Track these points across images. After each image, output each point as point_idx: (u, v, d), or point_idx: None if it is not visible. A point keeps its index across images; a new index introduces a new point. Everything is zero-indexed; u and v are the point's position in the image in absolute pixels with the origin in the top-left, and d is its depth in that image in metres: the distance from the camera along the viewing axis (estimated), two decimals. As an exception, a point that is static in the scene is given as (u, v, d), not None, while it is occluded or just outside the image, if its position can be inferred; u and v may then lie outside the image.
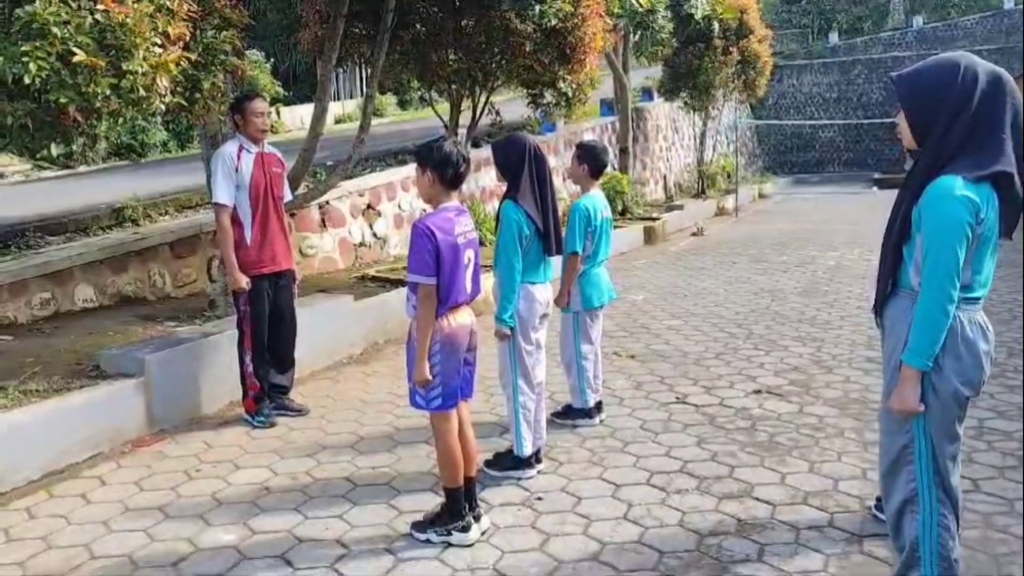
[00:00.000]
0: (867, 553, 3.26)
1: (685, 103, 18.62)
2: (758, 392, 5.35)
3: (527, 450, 4.10)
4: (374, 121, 8.62)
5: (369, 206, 10.03)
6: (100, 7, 3.60)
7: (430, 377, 3.31)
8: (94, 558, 3.40)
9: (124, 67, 3.69)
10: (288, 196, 5.25)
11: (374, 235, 10.09)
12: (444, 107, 8.07)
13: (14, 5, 3.58)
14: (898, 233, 2.60)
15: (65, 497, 3.99)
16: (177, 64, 3.93)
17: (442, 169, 3.31)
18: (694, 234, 14.78)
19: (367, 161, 12.48)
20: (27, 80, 3.41)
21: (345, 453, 4.51)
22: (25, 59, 3.41)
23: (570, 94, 7.53)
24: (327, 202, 9.13)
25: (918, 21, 32.35)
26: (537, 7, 6.00)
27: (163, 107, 4.04)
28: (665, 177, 19.95)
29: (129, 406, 4.66)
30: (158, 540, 3.54)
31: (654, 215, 15.09)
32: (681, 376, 5.77)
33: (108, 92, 3.66)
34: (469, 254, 3.39)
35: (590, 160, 4.80)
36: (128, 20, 3.65)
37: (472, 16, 6.82)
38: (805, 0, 35.70)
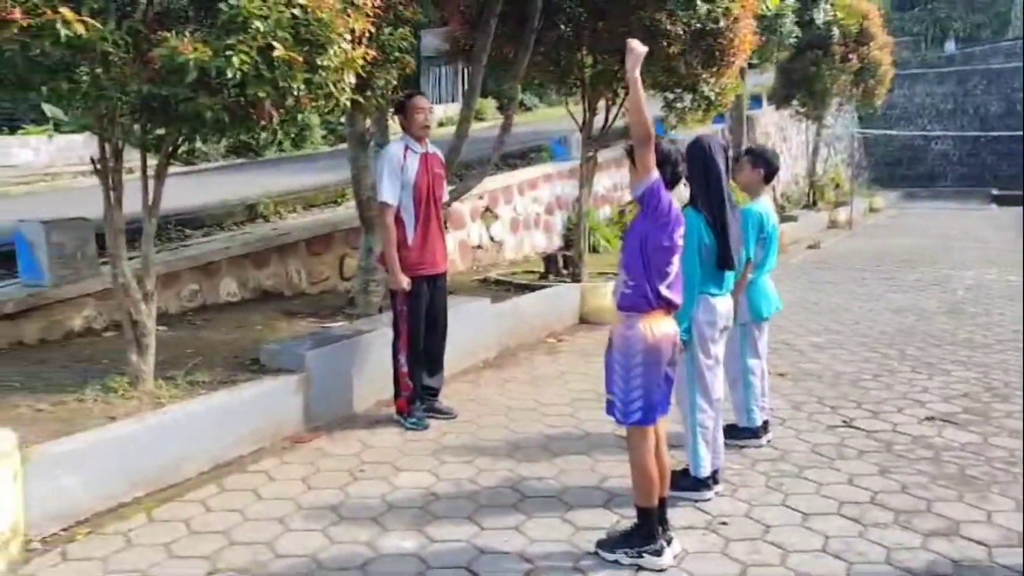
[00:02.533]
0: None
1: (797, 111, 18.06)
2: (931, 419, 5.02)
3: (705, 471, 3.90)
4: (475, 124, 8.49)
5: (487, 209, 9.98)
6: (299, 1, 3.57)
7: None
8: (278, 556, 3.36)
9: (318, 62, 3.66)
10: (446, 197, 5.19)
11: (491, 238, 10.03)
12: (551, 111, 7.91)
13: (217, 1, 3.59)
14: None
15: (236, 491, 3.98)
16: (365, 60, 3.88)
17: (660, 167, 3.18)
18: (811, 247, 14.28)
19: (479, 164, 12.50)
20: (229, 74, 3.41)
21: (503, 461, 4.39)
22: (228, 53, 3.40)
23: (712, 98, 7.28)
24: (449, 204, 9.11)
25: (1044, 30, 30.66)
26: (704, 6, 5.78)
27: (347, 104, 4.00)
28: (774, 188, 19.37)
29: (290, 401, 4.66)
30: (337, 542, 3.48)
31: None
32: (841, 398, 5.47)
33: (302, 87, 3.64)
34: (676, 259, 3.24)
35: (765, 164, 4.59)
36: (324, 15, 3.61)
37: (618, 17, 6.64)
38: (919, 7, 34.30)
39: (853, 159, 25.19)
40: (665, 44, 6.64)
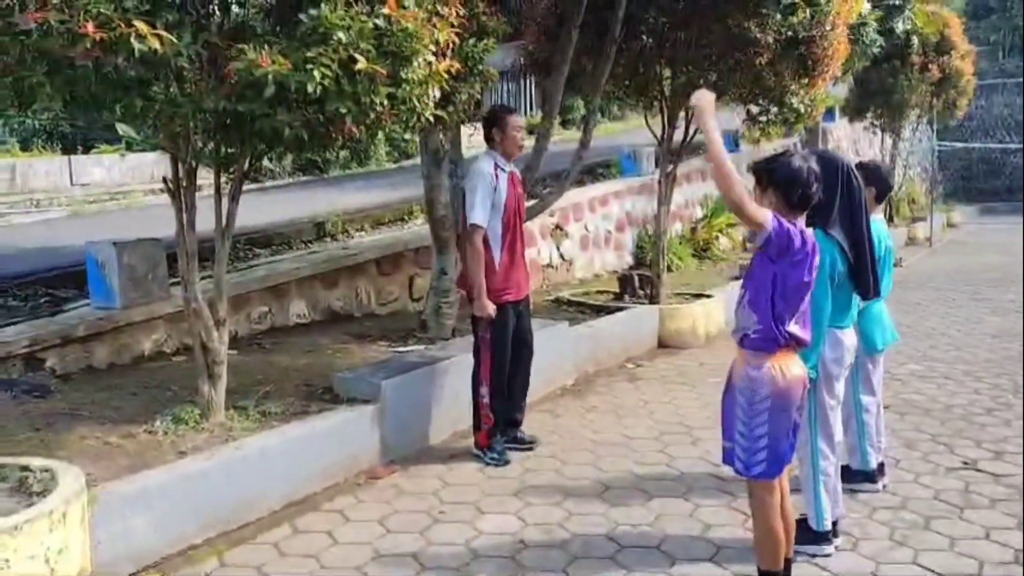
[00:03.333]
0: None
1: (872, 123, 17.39)
2: (1064, 461, 4.53)
3: (827, 523, 3.51)
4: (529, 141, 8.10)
5: (557, 226, 9.67)
6: (383, 11, 3.33)
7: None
8: (359, 612, 3.09)
9: (402, 75, 3.41)
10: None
11: (560, 256, 9.72)
12: (613, 125, 7.58)
13: (294, 9, 3.36)
14: None
15: (311, 533, 3.73)
16: (448, 73, 3.62)
17: (787, 188, 2.84)
18: (894, 265, 13.60)
19: (547, 180, 12.23)
20: (309, 88, 3.18)
21: (593, 503, 4.06)
22: (309, 66, 3.17)
23: (802, 110, 6.87)
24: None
25: None
26: (806, 10, 5.39)
27: (431, 120, 3.74)
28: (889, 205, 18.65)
29: (365, 434, 4.41)
30: (422, 596, 3.20)
31: (844, 243, 14.04)
32: (955, 435, 5.00)
33: (385, 102, 3.39)
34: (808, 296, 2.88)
35: (878, 182, 4.19)
36: (409, 25, 3.36)
37: (702, 26, 6.30)
38: (996, 15, 33.04)
39: (928, 173, 24.24)
40: (753, 53, 6.27)
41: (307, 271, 6.66)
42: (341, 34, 3.22)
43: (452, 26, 3.71)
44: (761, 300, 2.82)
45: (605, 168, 12.89)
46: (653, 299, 7.60)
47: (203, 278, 6.17)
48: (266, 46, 3.22)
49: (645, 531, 3.75)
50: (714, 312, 7.90)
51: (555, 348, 5.94)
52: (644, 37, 6.49)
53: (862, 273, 3.45)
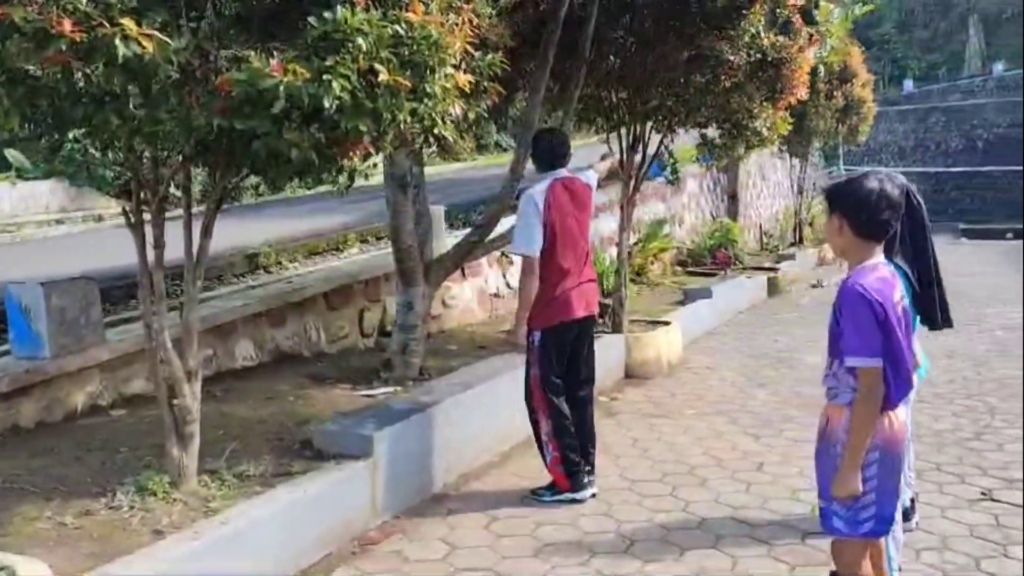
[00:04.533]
0: None
1: (781, 149, 17.88)
2: (1076, 486, 4.46)
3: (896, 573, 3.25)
4: (450, 166, 7.73)
5: (503, 254, 9.32)
6: (405, 15, 2.91)
7: (860, 488, 2.51)
8: None
9: (425, 89, 3.00)
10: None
11: (507, 284, 9.37)
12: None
13: (303, 13, 2.91)
14: None
15: (316, 617, 3.21)
16: (461, 89, 3.23)
17: (853, 213, 2.56)
18: (813, 286, 13.87)
19: (480, 207, 11.89)
20: (327, 103, 2.72)
21: (624, 561, 3.69)
22: (326, 77, 2.71)
23: (764, 133, 6.79)
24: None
25: (998, 68, 31.47)
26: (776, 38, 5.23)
27: (447, 137, 3.33)
28: (760, 226, 19.12)
29: (358, 494, 3.91)
30: None
31: (765, 264, 14.26)
32: (956, 461, 4.90)
33: (409, 118, 2.97)
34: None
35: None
36: (433, 32, 2.95)
37: (672, 47, 6.12)
38: (876, 47, 34.99)
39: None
40: (722, 75, 6.13)
41: (253, 308, 6.06)
42: (361, 40, 2.78)
43: (468, 36, 3.32)
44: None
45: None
46: (616, 328, 7.33)
47: (124, 321, 5.54)
48: (274, 53, 2.74)
49: (691, 592, 3.41)
50: (675, 340, 7.71)
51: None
52: (612, 58, 6.25)
53: (930, 302, 3.24)
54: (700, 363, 7.78)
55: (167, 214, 3.52)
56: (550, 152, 4.34)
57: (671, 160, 7.43)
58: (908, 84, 32.40)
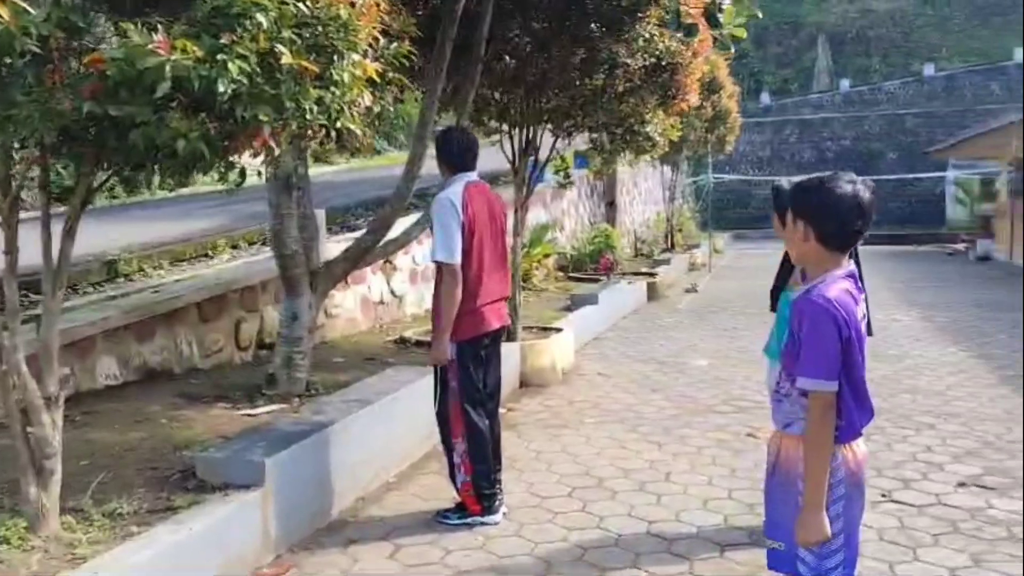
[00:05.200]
0: None
1: (652, 157, 18.32)
2: (963, 485, 4.61)
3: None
4: (326, 168, 7.34)
5: (387, 260, 8.96)
6: (308, -7, 2.59)
7: (829, 532, 2.25)
8: None
9: (333, 75, 2.68)
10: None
11: (392, 292, 9.02)
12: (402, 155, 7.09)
13: (192, -17, 2.53)
14: None
15: (207, 676, 2.82)
16: (380, 77, 2.94)
17: (823, 221, 2.27)
18: (688, 290, 14.23)
19: (359, 211, 11.48)
20: (221, 88, 2.37)
21: (539, 585, 3.47)
22: (221, 57, 2.36)
23: (656, 137, 6.78)
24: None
25: (844, 84, 33.59)
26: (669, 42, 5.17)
27: (354, 132, 3.01)
28: (634, 232, 19.51)
29: (248, 528, 3.51)
30: None
31: (643, 270, 14.51)
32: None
33: (315, 108, 2.64)
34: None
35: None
36: (342, 12, 2.65)
37: (568, 49, 6.00)
38: (734, 61, 36.59)
39: (699, 204, 26.14)
40: (618, 78, 6.06)
41: (116, 320, 5.47)
42: (261, 17, 2.43)
43: (377, 20, 3.02)
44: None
45: (421, 199, 12.36)
46: (509, 336, 7.13)
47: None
48: (158, 27, 2.36)
49: (617, 616, 3.23)
50: (567, 347, 7.61)
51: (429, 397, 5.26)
52: (507, 58, 6.05)
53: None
54: (592, 369, 7.71)
55: (20, 215, 3.03)
56: (462, 152, 4.05)
57: (563, 164, 7.32)
58: (765, 97, 34.06)
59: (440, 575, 3.56)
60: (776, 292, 3.78)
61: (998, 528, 4.00)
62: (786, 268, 3.74)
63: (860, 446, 2.33)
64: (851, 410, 2.25)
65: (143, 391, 5.31)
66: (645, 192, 22.20)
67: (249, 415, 4.82)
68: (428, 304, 9.57)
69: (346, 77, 2.76)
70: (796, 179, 2.68)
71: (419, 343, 7.34)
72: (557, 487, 4.63)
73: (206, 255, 8.54)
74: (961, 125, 28.40)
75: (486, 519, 4.08)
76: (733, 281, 16.09)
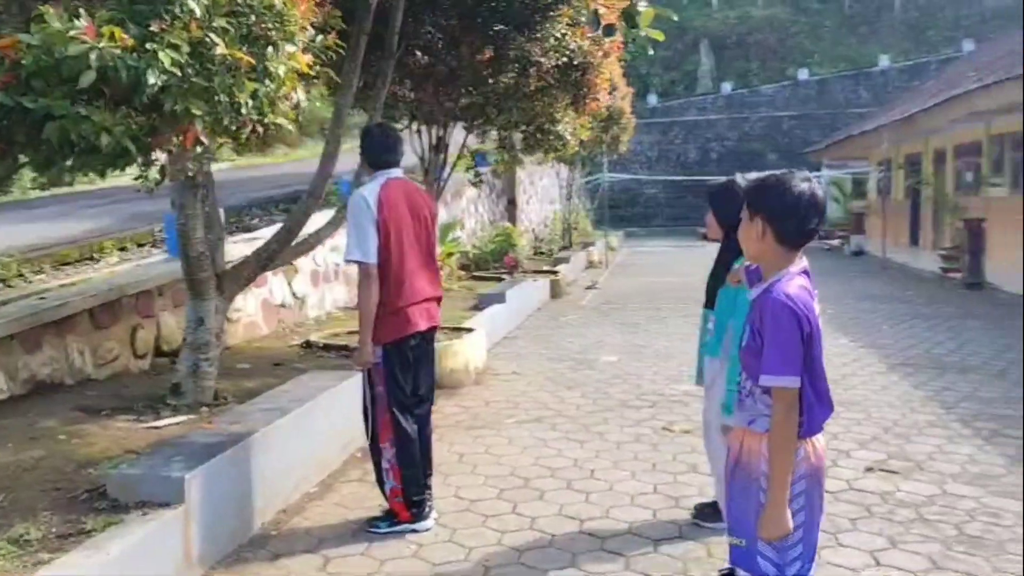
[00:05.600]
0: None
1: (562, 156, 18.52)
2: (871, 470, 4.83)
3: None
4: (215, 167, 7.02)
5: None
6: (242, -21, 2.44)
7: (791, 526, 2.28)
8: None
9: (268, 67, 2.54)
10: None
11: (293, 294, 8.74)
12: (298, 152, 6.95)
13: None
14: None
15: None
16: (312, 69, 2.81)
17: (781, 220, 2.31)
18: (589, 287, 14.46)
19: (254, 210, 11.09)
20: (152, 79, 2.20)
21: (479, 591, 3.41)
22: (151, 46, 2.19)
23: (567, 136, 6.82)
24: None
25: (726, 87, 34.91)
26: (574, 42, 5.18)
27: (284, 125, 2.87)
28: (533, 230, 19.65)
29: (169, 548, 3.29)
30: None
31: (544, 268, 14.63)
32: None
33: (249, 101, 2.49)
34: None
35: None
36: (277, 2, 2.51)
37: (480, 46, 5.96)
38: (624, 62, 37.39)
39: (593, 203, 26.58)
40: (531, 76, 6.06)
41: (3, 330, 5.05)
42: (193, 4, 2.28)
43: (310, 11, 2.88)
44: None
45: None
46: (421, 337, 7.01)
47: None
48: (80, 12, 2.17)
49: (561, 618, 3.21)
50: (480, 346, 7.56)
51: (346, 406, 5.11)
52: (419, 54, 5.94)
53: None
54: (505, 369, 7.69)
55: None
56: (383, 147, 3.92)
57: (472, 161, 7.27)
58: (652, 99, 34.98)
59: (375, 586, 3.45)
60: (712, 289, 3.83)
61: (908, 510, 4.21)
62: (721, 265, 3.80)
63: (820, 441, 2.37)
64: (812, 405, 2.29)
65: (34, 405, 4.92)
66: (542, 191, 22.41)
67: (154, 427, 4.55)
68: (328, 306, 9.37)
69: (281, 70, 2.61)
70: (751, 177, 2.72)
71: (327, 347, 7.14)
72: (485, 489, 4.58)
73: (91, 258, 8.06)
74: (833, 127, 30.05)
75: (417, 526, 3.98)
76: (630, 278, 16.45)
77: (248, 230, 9.32)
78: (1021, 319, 9.64)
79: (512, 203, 15.17)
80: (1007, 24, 30.70)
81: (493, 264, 12.96)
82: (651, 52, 4.97)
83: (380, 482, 4.06)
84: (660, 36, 4.72)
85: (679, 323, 10.32)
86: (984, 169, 16.40)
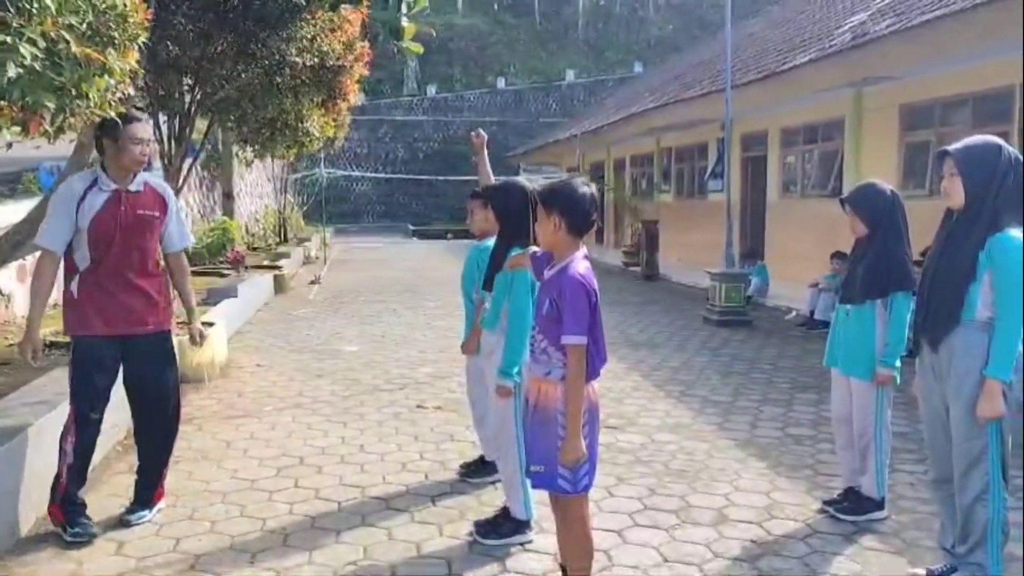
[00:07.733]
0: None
1: (308, 151, 18.26)
2: (613, 428, 5.72)
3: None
4: None
5: (-7, 252, 7.91)
6: (84, -23, 2.58)
7: (585, 452, 2.91)
8: None
9: (113, 64, 2.70)
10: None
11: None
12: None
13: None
14: (965, 277, 3.23)
15: None
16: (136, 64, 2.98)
17: (572, 214, 2.95)
18: (312, 282, 14.58)
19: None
20: (11, 73, 2.32)
21: (281, 554, 3.70)
22: (12, 39, 2.31)
23: (316, 134, 7.12)
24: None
25: (431, 90, 36.31)
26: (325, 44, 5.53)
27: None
28: (245, 225, 19.17)
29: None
30: None
31: (265, 263, 14.51)
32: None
33: (98, 96, 2.63)
34: None
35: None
36: (119, 3, 2.69)
37: (231, 42, 6.10)
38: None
39: (305, 198, 26.36)
40: (284, 75, 6.30)
41: None
42: (51, 3, 2.40)
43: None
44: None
45: (12, 185, 10.96)
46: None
47: None
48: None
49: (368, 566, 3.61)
50: (221, 340, 7.55)
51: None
52: (169, 44, 5.91)
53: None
54: (249, 362, 7.76)
55: None
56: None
57: (216, 156, 7.26)
58: (360, 97, 35.34)
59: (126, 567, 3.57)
60: (491, 276, 4.22)
61: (627, 455, 5.14)
62: (500, 253, 4.28)
63: (594, 385, 3.06)
64: (594, 357, 2.96)
65: None
66: (251, 184, 21.89)
67: None
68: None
69: (119, 67, 2.76)
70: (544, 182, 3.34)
71: (53, 344, 6.72)
72: (262, 470, 4.79)
73: None
74: (528, 134, 32.63)
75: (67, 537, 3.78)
76: (352, 273, 16.79)
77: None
78: (686, 303, 11.53)
79: (229, 196, 14.79)
80: (668, 52, 35.43)
81: (215, 259, 12.64)
82: (411, 62, 5.46)
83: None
84: (420, 49, 5.24)
85: (410, 314, 10.94)
86: (656, 177, 19.07)
